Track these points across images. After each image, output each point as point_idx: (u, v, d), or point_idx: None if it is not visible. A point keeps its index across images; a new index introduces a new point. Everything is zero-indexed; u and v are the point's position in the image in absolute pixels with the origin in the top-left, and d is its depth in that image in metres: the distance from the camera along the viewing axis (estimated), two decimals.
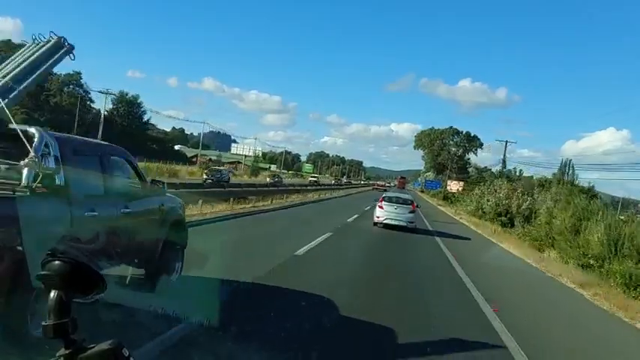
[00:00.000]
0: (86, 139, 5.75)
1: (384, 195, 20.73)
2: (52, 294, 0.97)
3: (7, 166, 4.12)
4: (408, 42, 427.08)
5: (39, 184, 3.88)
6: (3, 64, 4.57)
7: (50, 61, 4.87)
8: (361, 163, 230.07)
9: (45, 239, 3.69)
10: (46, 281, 0.99)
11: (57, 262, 0.98)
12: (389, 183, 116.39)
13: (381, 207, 19.09)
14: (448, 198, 68.66)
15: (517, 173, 65.65)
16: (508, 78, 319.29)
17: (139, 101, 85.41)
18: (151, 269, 5.86)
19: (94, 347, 0.97)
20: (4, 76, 4.36)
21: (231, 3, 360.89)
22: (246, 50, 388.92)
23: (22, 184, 3.80)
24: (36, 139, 4.04)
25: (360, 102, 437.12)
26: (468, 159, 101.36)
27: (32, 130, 4.10)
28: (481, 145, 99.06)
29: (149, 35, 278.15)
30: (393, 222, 18.51)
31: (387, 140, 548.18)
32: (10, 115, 4.22)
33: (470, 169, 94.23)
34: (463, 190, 68.92)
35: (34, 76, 4.59)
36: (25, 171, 3.81)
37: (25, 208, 3.66)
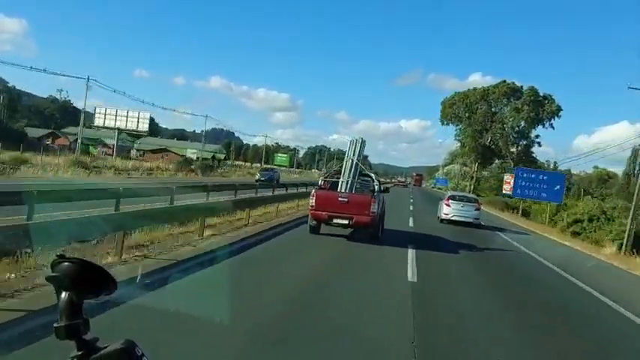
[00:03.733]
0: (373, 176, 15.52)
1: (449, 194, 23.31)
2: (63, 295, 0.96)
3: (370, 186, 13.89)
4: (416, 37, 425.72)
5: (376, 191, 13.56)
6: (350, 151, 14.11)
7: (364, 147, 14.34)
8: (366, 157, 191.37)
9: (380, 206, 13.31)
10: (55, 283, 0.97)
11: (66, 263, 0.96)
12: (406, 180, 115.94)
13: (448, 205, 21.00)
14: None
15: (552, 166, 53.46)
16: (517, 71, 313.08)
17: None
18: (379, 226, 15.41)
19: (106, 347, 0.97)
20: (355, 158, 13.94)
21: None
22: (254, 47, 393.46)
23: (375, 191, 13.44)
24: (374, 176, 13.81)
25: (369, 99, 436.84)
26: (536, 136, 59.09)
27: (372, 174, 13.91)
28: (559, 110, 56.56)
29: (155, 33, 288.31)
30: (460, 219, 20.53)
31: (397, 137, 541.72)
32: (363, 168, 13.98)
33: (534, 153, 59.83)
34: None
35: (362, 154, 14.10)
36: (376, 187, 13.51)
37: (378, 196, 13.29)
